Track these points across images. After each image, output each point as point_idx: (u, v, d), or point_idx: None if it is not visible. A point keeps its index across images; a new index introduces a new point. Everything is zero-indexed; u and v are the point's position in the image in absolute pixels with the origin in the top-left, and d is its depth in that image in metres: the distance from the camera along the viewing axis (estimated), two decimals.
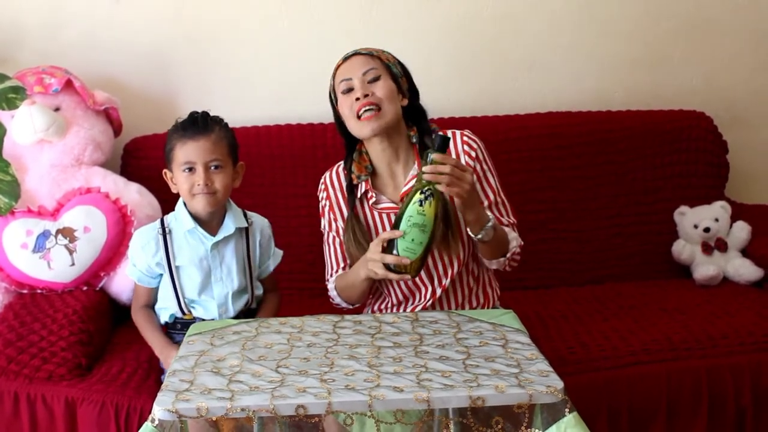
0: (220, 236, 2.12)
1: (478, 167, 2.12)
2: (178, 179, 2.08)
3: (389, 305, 2.21)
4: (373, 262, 1.91)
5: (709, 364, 2.23)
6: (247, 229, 2.17)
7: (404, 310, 2.18)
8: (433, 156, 1.80)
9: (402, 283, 2.15)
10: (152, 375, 2.20)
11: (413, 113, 2.14)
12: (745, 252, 2.84)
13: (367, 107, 2.02)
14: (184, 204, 2.13)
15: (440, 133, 1.83)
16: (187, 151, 2.04)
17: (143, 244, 2.13)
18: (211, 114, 2.12)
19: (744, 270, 2.76)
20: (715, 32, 3.13)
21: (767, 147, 3.22)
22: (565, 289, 2.80)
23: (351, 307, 2.16)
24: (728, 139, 3.02)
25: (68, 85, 2.65)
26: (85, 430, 2.12)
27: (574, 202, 2.89)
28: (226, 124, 2.13)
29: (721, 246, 2.82)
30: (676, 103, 3.05)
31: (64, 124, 2.62)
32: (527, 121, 2.93)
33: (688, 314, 2.47)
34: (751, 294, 2.65)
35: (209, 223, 2.13)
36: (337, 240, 2.18)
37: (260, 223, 2.21)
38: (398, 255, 1.84)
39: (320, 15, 2.96)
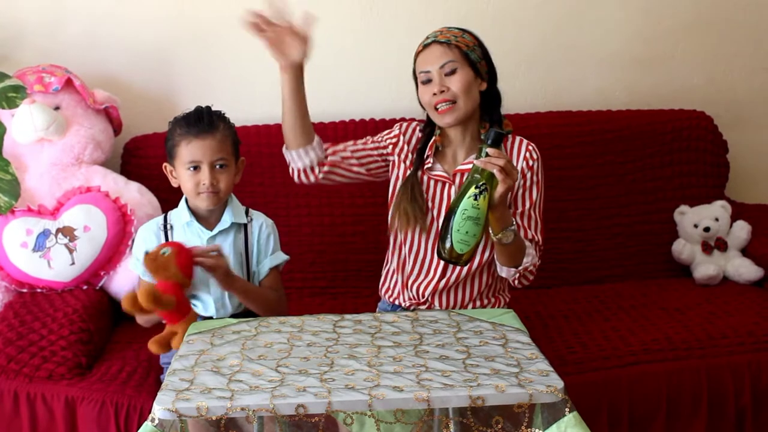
0: (215, 231, 2.12)
1: (529, 175, 2.17)
2: (181, 177, 2.08)
3: (400, 281, 2.24)
4: None
5: (709, 363, 2.23)
6: (246, 225, 2.17)
7: (415, 287, 2.21)
8: (488, 150, 1.85)
9: (420, 258, 2.20)
10: (152, 374, 2.20)
11: (489, 99, 2.19)
12: (745, 251, 2.84)
13: (444, 103, 2.10)
14: (186, 199, 2.13)
15: (496, 129, 1.86)
16: (192, 150, 2.04)
17: (145, 237, 2.14)
18: (223, 112, 2.12)
19: (744, 269, 2.76)
20: (715, 32, 3.14)
21: (767, 147, 3.23)
22: (565, 288, 2.80)
23: (290, 152, 2.18)
24: (728, 139, 3.02)
25: (68, 83, 2.65)
26: (85, 429, 2.12)
27: (574, 202, 2.89)
28: (229, 119, 2.14)
29: (721, 245, 2.82)
30: (677, 103, 3.05)
31: (64, 123, 2.62)
32: (527, 120, 2.93)
33: (688, 314, 2.48)
34: (751, 293, 2.65)
35: (208, 218, 2.13)
36: (368, 145, 2.25)
37: (260, 220, 2.20)
38: (452, 246, 1.85)
39: (321, 13, 2.94)
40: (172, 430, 1.52)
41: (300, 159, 2.17)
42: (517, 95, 3.07)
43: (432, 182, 2.20)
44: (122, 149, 2.85)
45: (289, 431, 1.70)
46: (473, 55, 2.14)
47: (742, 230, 2.84)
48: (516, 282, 2.16)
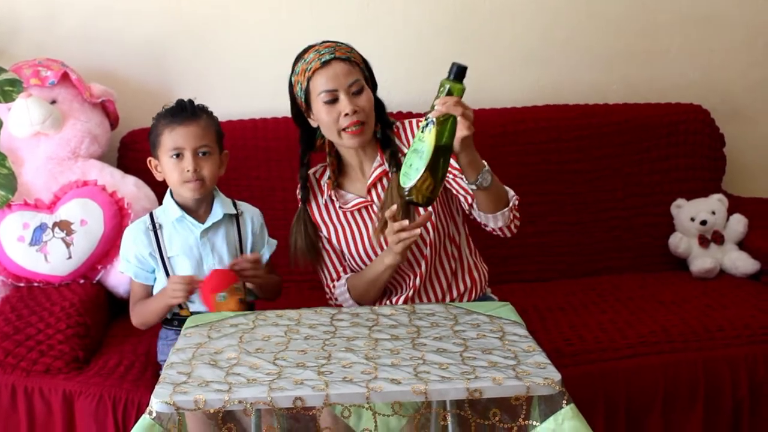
0: (208, 223, 2.12)
1: None
2: (165, 166, 2.08)
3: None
4: (393, 243, 1.94)
5: (705, 356, 2.24)
6: (237, 217, 2.17)
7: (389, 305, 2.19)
8: (450, 86, 1.78)
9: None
10: (149, 368, 2.20)
11: (376, 107, 2.14)
12: (742, 245, 2.84)
13: (356, 125, 2.05)
14: (171, 195, 2.13)
15: (456, 62, 1.78)
16: (175, 137, 2.05)
17: (134, 237, 2.13)
18: (206, 105, 2.13)
19: (740, 263, 2.77)
20: (712, 25, 3.14)
21: (764, 140, 3.23)
22: (562, 281, 2.81)
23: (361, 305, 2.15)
24: (725, 132, 3.03)
25: (65, 77, 2.64)
26: (83, 423, 2.12)
27: (571, 195, 2.89)
28: (212, 112, 2.15)
29: (718, 239, 2.83)
30: (673, 97, 3.05)
31: (60, 117, 2.61)
32: (524, 113, 2.93)
33: (685, 306, 2.48)
34: (748, 287, 2.66)
35: (197, 211, 2.13)
36: (331, 245, 2.20)
37: (251, 211, 2.21)
38: (399, 180, 1.81)
39: (319, 8, 2.96)
40: (169, 424, 1.52)
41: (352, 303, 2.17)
42: (514, 89, 3.07)
43: (354, 215, 2.18)
44: (119, 143, 2.84)
45: (286, 424, 1.71)
46: (366, 72, 2.12)
47: (738, 224, 2.84)
48: (512, 226, 2.10)
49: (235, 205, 2.19)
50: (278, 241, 2.25)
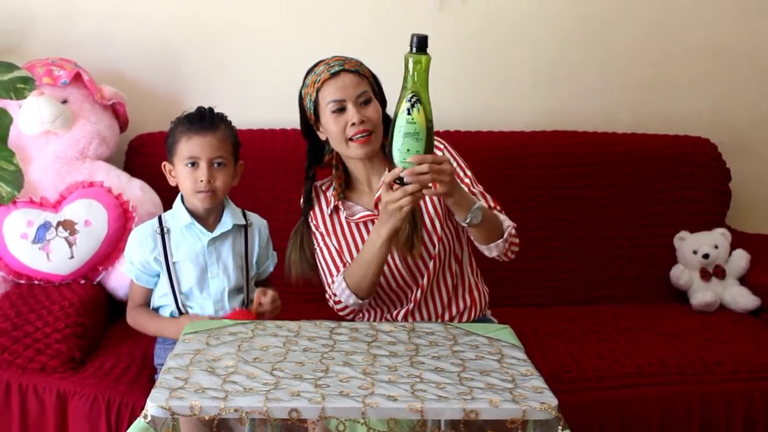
0: (217, 232, 2.12)
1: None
2: (179, 173, 2.09)
3: (372, 317, 2.23)
4: (389, 202, 1.89)
5: (702, 389, 2.23)
6: (246, 228, 2.17)
7: (388, 320, 2.20)
8: (413, 59, 1.77)
9: (381, 292, 2.16)
10: (145, 372, 2.20)
11: (383, 123, 2.15)
12: (743, 280, 2.84)
13: (363, 134, 2.06)
14: (182, 200, 2.14)
15: (415, 33, 1.78)
16: (191, 146, 2.05)
17: (140, 240, 2.13)
18: (226, 115, 2.14)
19: (741, 298, 2.76)
20: (722, 59, 3.14)
21: None
22: (561, 307, 2.80)
23: (360, 302, 2.12)
24: (731, 167, 3.03)
25: (77, 78, 2.66)
26: (76, 423, 2.12)
27: (575, 222, 2.89)
28: (230, 122, 2.15)
29: (720, 273, 2.83)
30: (681, 128, 3.06)
31: (70, 117, 2.62)
32: (532, 138, 2.93)
33: (684, 339, 2.47)
34: (747, 322, 2.65)
35: (206, 219, 2.13)
36: (327, 247, 2.19)
37: (260, 223, 2.22)
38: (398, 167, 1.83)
39: (329, 19, 2.97)
40: (163, 428, 1.51)
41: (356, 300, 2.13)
42: (522, 112, 3.08)
43: (360, 227, 2.18)
44: (127, 146, 2.85)
45: None
46: (375, 86, 2.14)
47: (741, 259, 2.84)
48: (508, 253, 2.12)
49: (244, 215, 2.19)
50: (281, 250, 2.26)
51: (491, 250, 2.10)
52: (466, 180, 2.16)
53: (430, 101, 1.81)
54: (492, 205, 2.15)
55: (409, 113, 1.78)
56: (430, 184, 1.85)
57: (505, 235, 2.07)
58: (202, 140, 2.05)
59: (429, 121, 1.80)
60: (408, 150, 1.80)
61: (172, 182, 2.13)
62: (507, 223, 2.10)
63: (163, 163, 2.14)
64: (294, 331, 1.84)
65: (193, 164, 2.05)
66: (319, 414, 1.47)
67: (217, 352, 1.71)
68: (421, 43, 1.78)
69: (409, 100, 1.78)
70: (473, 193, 2.12)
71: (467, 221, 1.98)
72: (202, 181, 2.05)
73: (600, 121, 3.07)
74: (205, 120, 2.07)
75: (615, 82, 3.11)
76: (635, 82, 3.12)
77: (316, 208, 2.22)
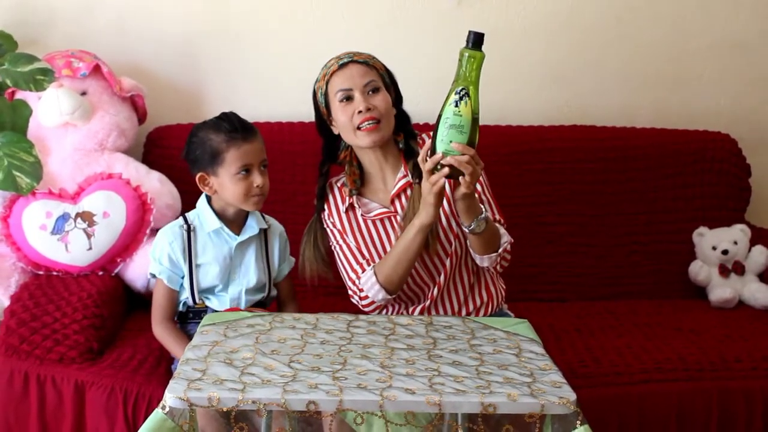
0: (244, 236, 2.12)
1: None
2: (227, 182, 2.04)
3: (389, 313, 2.22)
4: (428, 193, 1.91)
5: (721, 386, 2.22)
6: (265, 231, 2.18)
7: (408, 310, 2.20)
8: (469, 54, 1.80)
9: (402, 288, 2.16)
10: (163, 363, 2.20)
11: (398, 119, 2.17)
12: (762, 277, 2.82)
13: (370, 121, 2.06)
14: (208, 202, 2.12)
15: (473, 30, 1.80)
16: (243, 154, 2.03)
17: (171, 240, 2.10)
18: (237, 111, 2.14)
19: (760, 294, 2.75)
20: (743, 53, 3.12)
21: None
22: (579, 303, 2.79)
23: (389, 297, 2.10)
24: (752, 163, 3.01)
25: (96, 70, 2.67)
26: (93, 413, 2.13)
27: (594, 217, 2.88)
28: None
29: (739, 269, 2.81)
30: (702, 123, 3.04)
31: (89, 109, 2.63)
32: (551, 132, 2.92)
33: (703, 335, 2.46)
34: (766, 319, 2.64)
35: (234, 222, 2.13)
36: (347, 244, 2.18)
37: (278, 227, 2.23)
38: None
39: (350, 11, 2.97)
40: (181, 419, 1.52)
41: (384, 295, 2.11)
42: (542, 107, 3.07)
43: (377, 224, 2.17)
44: (145, 138, 2.86)
45: (298, 427, 1.71)
46: (386, 79, 2.13)
47: (760, 255, 2.82)
48: (498, 266, 2.14)
49: (264, 218, 2.19)
50: (293, 246, 2.27)
51: (483, 261, 2.11)
52: (481, 180, 2.16)
53: (478, 98, 1.83)
54: (497, 217, 2.15)
55: (456, 105, 1.80)
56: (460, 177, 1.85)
57: (500, 250, 2.09)
58: (251, 147, 2.05)
59: (475, 116, 1.82)
60: (451, 142, 1.82)
61: (209, 192, 2.09)
62: (505, 239, 2.11)
63: (199, 174, 2.08)
64: (312, 323, 1.84)
65: (246, 171, 2.05)
66: (336, 406, 1.46)
67: (235, 344, 1.71)
68: (477, 40, 1.81)
69: (458, 93, 1.80)
70: (483, 199, 2.14)
71: (471, 228, 1.98)
72: (258, 186, 2.04)
73: (619, 116, 3.06)
74: (246, 126, 2.07)
75: (635, 76, 3.10)
76: (655, 76, 3.10)
77: (332, 205, 2.21)
